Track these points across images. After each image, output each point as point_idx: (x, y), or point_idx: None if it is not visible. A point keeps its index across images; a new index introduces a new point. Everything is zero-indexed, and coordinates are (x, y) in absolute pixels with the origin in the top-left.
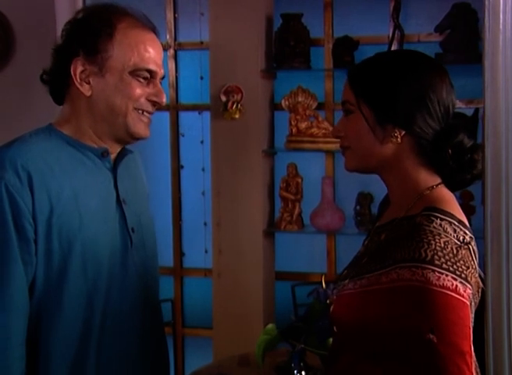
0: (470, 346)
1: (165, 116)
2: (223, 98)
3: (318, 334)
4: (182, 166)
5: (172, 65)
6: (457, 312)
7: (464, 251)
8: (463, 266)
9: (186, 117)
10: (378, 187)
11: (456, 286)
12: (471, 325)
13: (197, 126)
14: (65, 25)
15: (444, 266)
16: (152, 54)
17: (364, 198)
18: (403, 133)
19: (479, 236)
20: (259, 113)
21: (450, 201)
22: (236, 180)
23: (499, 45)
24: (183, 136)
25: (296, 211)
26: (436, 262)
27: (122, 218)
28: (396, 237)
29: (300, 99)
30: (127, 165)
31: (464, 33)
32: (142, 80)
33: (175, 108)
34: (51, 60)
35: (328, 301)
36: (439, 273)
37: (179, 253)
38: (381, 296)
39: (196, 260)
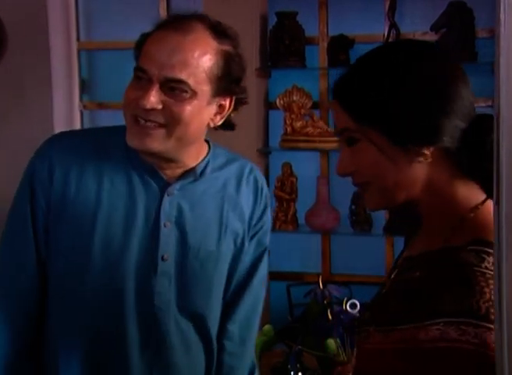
0: None
1: None
2: None
3: (316, 335)
4: None
5: None
6: None
7: None
8: None
9: None
10: None
11: None
12: None
13: None
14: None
15: None
16: (153, 51)
17: (360, 198)
18: (432, 149)
19: None
20: (253, 112)
21: None
22: None
23: None
24: None
25: (291, 210)
26: (492, 316)
27: (155, 243)
28: (436, 279)
29: (295, 98)
30: (212, 184)
31: (460, 32)
32: (136, 79)
33: None
34: None
35: (325, 302)
36: None
37: None
38: (419, 358)
39: None
